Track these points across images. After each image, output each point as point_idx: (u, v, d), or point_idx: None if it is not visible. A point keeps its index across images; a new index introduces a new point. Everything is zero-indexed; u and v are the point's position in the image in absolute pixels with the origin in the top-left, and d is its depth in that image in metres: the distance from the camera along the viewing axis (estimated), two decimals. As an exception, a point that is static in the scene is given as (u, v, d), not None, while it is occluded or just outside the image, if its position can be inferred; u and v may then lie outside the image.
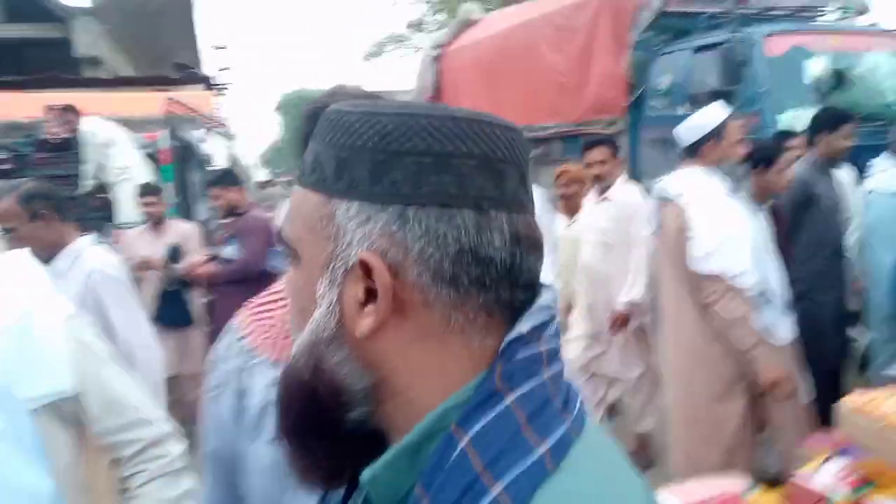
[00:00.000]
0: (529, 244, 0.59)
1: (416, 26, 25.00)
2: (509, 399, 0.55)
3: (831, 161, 3.82)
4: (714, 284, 2.66)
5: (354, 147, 0.56)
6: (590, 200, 4.23)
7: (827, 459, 2.06)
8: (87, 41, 11.51)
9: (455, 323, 0.56)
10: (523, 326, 0.58)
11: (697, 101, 6.34)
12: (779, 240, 3.39)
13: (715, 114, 2.91)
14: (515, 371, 0.56)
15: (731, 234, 2.68)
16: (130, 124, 6.90)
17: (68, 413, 1.40)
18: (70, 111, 6.75)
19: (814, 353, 3.65)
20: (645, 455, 3.90)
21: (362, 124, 0.57)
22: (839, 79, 6.13)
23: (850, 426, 2.00)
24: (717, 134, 2.84)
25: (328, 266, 0.57)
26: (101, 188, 6.38)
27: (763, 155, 3.30)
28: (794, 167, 3.81)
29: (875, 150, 3.93)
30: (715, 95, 6.21)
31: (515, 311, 0.58)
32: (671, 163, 6.40)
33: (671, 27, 7.17)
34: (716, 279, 2.65)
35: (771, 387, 2.68)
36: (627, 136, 7.02)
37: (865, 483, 1.93)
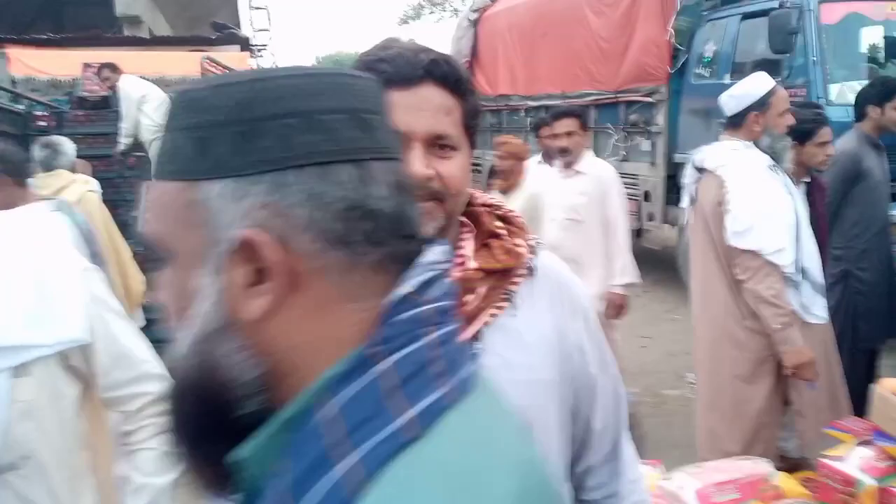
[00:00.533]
0: (410, 191, 0.57)
1: (455, -11, 24.61)
2: (382, 365, 0.52)
3: (881, 134, 3.65)
4: (749, 261, 2.57)
5: (213, 124, 0.52)
6: (554, 175, 4.01)
7: (857, 445, 1.99)
8: (126, 1, 11.58)
9: (351, 286, 0.54)
10: (407, 285, 0.55)
11: (744, 71, 6.13)
12: (815, 217, 3.27)
13: (760, 83, 2.79)
14: (394, 334, 0.54)
15: (769, 211, 2.58)
16: (167, 83, 6.96)
17: (77, 365, 1.41)
18: (109, 68, 6.81)
19: (857, 334, 3.55)
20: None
21: (216, 98, 0.53)
22: (896, 48, 5.85)
23: (884, 411, 1.91)
24: (762, 104, 2.71)
25: (206, 254, 0.53)
26: (138, 146, 6.46)
27: (800, 128, 3.16)
28: (839, 141, 3.66)
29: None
30: (763, 65, 6.00)
31: (405, 266, 0.56)
32: (713, 134, 6.25)
33: (719, -9, 6.91)
34: (752, 255, 2.56)
35: (795, 370, 2.60)
36: (668, 105, 6.82)
37: (895, 471, 1.86)
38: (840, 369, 2.84)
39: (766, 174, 2.64)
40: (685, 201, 2.99)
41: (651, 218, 7.16)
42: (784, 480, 1.88)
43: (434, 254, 0.58)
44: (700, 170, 2.77)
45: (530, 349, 0.99)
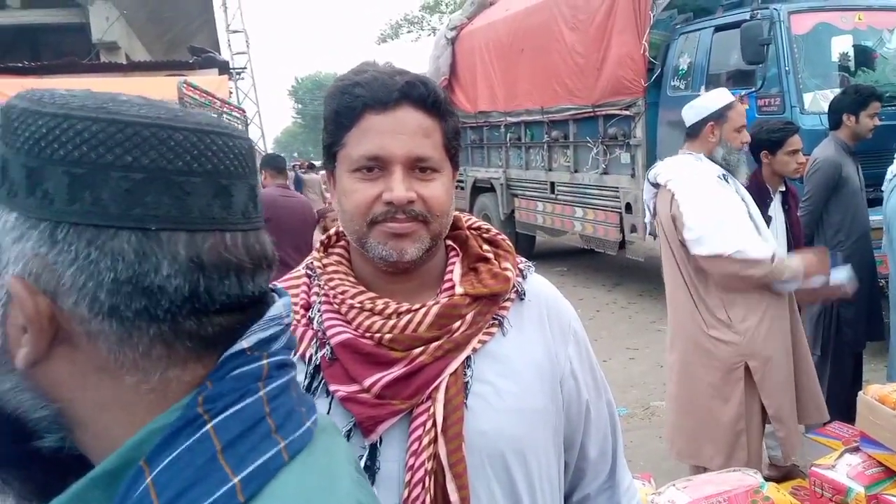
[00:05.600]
0: (226, 266, 0.52)
1: (431, 8, 24.81)
2: (210, 424, 0.50)
3: (856, 142, 3.71)
4: (718, 263, 2.60)
5: (13, 147, 0.49)
6: None
7: (845, 452, 1.99)
8: (103, 26, 11.53)
9: (124, 358, 0.50)
10: (244, 341, 0.53)
11: (718, 82, 6.21)
12: (790, 223, 3.30)
13: (720, 97, 2.85)
14: (224, 392, 0.52)
15: (720, 216, 2.61)
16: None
17: None
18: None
19: (842, 339, 3.57)
20: None
21: (29, 119, 0.49)
22: (866, 56, 5.95)
23: (870, 418, 1.92)
24: (719, 116, 2.77)
25: None
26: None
27: (770, 138, 3.21)
28: (816, 150, 3.71)
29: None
30: (736, 76, 6.08)
31: (217, 337, 0.53)
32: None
33: (692, 5, 7.00)
34: (716, 260, 2.58)
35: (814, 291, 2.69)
36: (646, 118, 6.88)
37: (885, 477, 1.86)
38: (806, 345, 2.90)
39: (713, 183, 2.68)
40: (647, 216, 3.08)
41: (634, 229, 7.20)
42: (774, 491, 1.88)
43: (276, 309, 0.57)
44: (655, 185, 2.83)
45: (521, 376, 0.97)
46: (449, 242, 1.03)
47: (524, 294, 1.01)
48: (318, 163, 18.92)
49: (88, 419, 0.52)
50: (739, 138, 2.79)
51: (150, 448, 0.49)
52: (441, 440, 0.89)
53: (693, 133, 2.84)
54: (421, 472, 0.89)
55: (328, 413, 0.92)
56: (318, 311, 0.98)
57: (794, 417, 2.74)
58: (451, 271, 0.99)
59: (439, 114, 0.94)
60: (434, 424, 0.90)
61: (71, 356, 0.50)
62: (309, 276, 1.02)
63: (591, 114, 7.53)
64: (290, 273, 1.07)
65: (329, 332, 0.95)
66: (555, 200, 8.51)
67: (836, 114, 3.76)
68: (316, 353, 0.95)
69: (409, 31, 26.16)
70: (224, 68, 11.56)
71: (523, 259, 1.07)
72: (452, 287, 0.97)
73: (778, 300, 2.70)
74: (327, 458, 0.56)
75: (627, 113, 7.04)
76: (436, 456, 0.89)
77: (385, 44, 26.90)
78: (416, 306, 0.94)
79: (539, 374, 0.99)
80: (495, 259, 1.01)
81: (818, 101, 5.41)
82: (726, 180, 2.73)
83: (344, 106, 0.93)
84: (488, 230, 1.07)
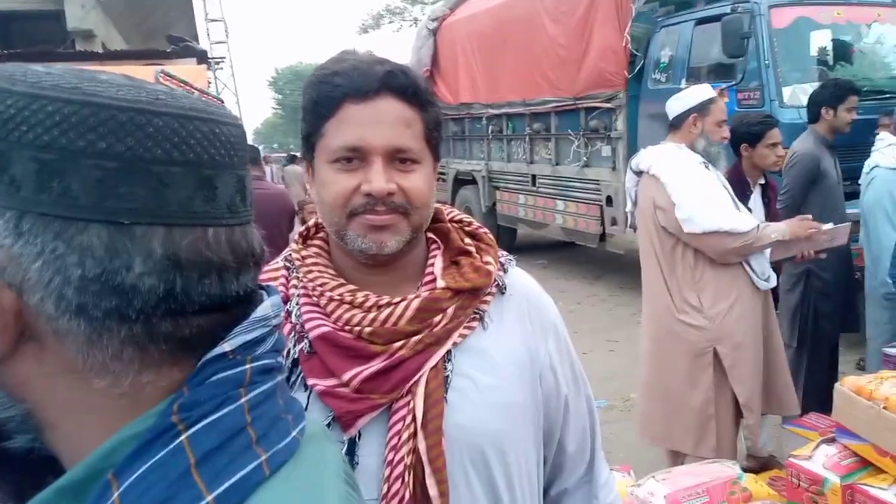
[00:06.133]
0: (206, 265, 0.48)
1: (414, -2, 24.67)
2: (185, 435, 0.46)
3: (834, 135, 3.74)
4: (711, 240, 2.67)
5: None
6: None
7: (822, 443, 2.01)
8: (79, 14, 11.32)
9: (93, 360, 0.47)
10: (226, 344, 0.50)
11: (699, 75, 6.24)
12: (769, 216, 3.33)
13: (704, 91, 2.95)
14: (202, 399, 0.48)
15: (709, 193, 2.71)
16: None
17: None
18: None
19: (819, 332, 3.61)
20: None
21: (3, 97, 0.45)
22: (844, 51, 6.01)
23: (846, 409, 1.94)
24: (701, 109, 2.86)
25: None
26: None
27: (750, 131, 3.24)
28: (795, 143, 3.74)
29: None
30: (717, 69, 6.11)
31: (196, 340, 0.49)
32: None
33: (673, -2, 7.03)
34: (711, 235, 2.66)
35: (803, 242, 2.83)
36: (627, 111, 6.90)
37: (860, 467, 1.88)
38: (779, 338, 2.98)
39: (697, 167, 2.77)
40: (629, 205, 3.13)
41: (614, 223, 7.23)
42: (752, 482, 1.89)
43: (264, 309, 0.53)
44: (638, 173, 2.90)
45: (501, 370, 0.96)
46: (430, 235, 1.02)
47: (505, 288, 1.01)
48: (299, 154, 18.76)
49: (57, 421, 0.49)
50: (720, 132, 2.87)
51: (121, 458, 0.46)
52: (420, 435, 0.88)
53: (676, 124, 2.91)
54: (400, 467, 0.88)
55: (306, 407, 0.90)
56: (297, 304, 0.96)
57: (759, 407, 2.81)
58: (433, 264, 0.98)
59: (420, 104, 0.92)
60: (414, 419, 0.89)
61: (38, 355, 0.47)
62: (287, 269, 1.00)
63: (573, 106, 7.53)
64: (268, 265, 1.05)
65: (308, 326, 0.93)
66: (536, 193, 8.52)
67: (814, 107, 3.79)
68: (294, 346, 0.93)
69: (390, 22, 26.03)
70: (203, 58, 11.40)
71: (504, 252, 1.06)
72: (433, 280, 0.96)
73: (751, 289, 2.76)
74: (314, 472, 0.53)
75: (609, 106, 7.05)
76: (415, 450, 0.88)
77: (366, 34, 26.78)
78: (397, 299, 0.93)
79: (519, 369, 0.98)
80: (477, 252, 1.00)
81: (797, 94, 5.46)
82: (707, 168, 2.82)
83: (323, 95, 0.91)
84: (470, 223, 1.06)
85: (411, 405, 0.90)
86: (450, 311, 0.93)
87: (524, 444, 0.99)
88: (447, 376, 0.93)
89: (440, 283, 0.95)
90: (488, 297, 0.98)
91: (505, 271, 1.02)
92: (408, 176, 0.91)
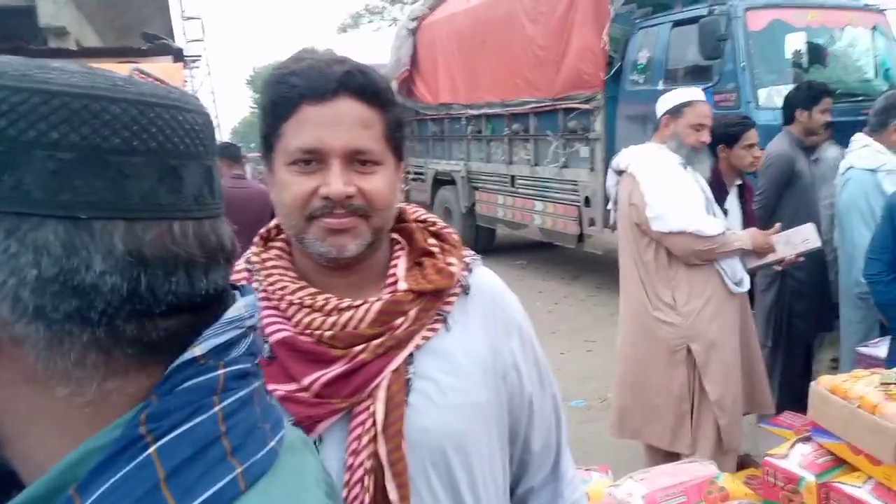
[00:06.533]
0: (173, 261, 0.45)
1: (394, -2, 24.63)
2: (153, 447, 0.43)
3: (808, 137, 3.78)
4: (677, 240, 2.72)
5: None
6: None
7: (797, 442, 2.02)
8: (51, 10, 11.13)
9: (54, 367, 0.43)
10: (196, 348, 0.47)
11: (676, 77, 6.29)
12: (745, 217, 3.36)
13: (684, 94, 3.01)
14: (171, 408, 0.45)
15: (681, 194, 2.76)
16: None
17: None
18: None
19: (794, 332, 3.65)
20: None
21: None
22: (818, 54, 6.09)
23: (821, 408, 1.95)
24: (675, 111, 2.91)
25: None
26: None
27: (727, 132, 3.26)
28: (770, 144, 3.77)
29: (853, 127, 3.88)
30: (694, 71, 6.16)
31: (164, 343, 0.46)
32: (649, 139, 6.37)
33: (651, 0, 7.06)
34: (677, 235, 2.72)
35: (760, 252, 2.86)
36: (605, 112, 6.93)
37: (835, 466, 1.89)
38: (755, 338, 3.04)
39: (674, 167, 2.82)
40: (610, 204, 3.16)
41: (592, 223, 7.26)
42: (729, 481, 1.90)
43: (236, 309, 0.50)
44: (619, 172, 2.95)
45: (464, 371, 0.96)
46: (394, 236, 1.00)
47: (469, 288, 0.99)
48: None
49: (18, 433, 0.46)
50: (695, 136, 2.88)
51: (84, 472, 0.43)
52: (381, 439, 0.87)
53: (656, 126, 3.02)
54: (360, 472, 0.87)
55: None
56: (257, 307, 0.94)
57: (739, 408, 2.82)
58: (396, 266, 0.97)
59: (380, 104, 0.91)
60: (374, 423, 0.88)
61: None
62: (249, 271, 0.98)
63: (552, 107, 7.55)
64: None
65: (267, 330, 0.91)
66: (515, 194, 8.53)
67: (789, 109, 3.83)
68: None
69: (370, 21, 25.93)
70: (179, 56, 11.28)
71: (470, 252, 1.05)
72: (396, 282, 0.95)
73: (725, 289, 2.80)
74: (293, 485, 0.50)
75: (587, 107, 7.08)
76: (375, 454, 0.87)
77: (345, 33, 26.65)
78: (358, 303, 0.91)
79: (482, 369, 0.97)
80: (441, 253, 0.99)
81: (772, 96, 5.52)
82: (685, 168, 2.85)
83: (280, 96, 0.89)
84: (434, 223, 1.05)
85: (371, 409, 0.89)
86: (412, 313, 0.93)
87: (488, 444, 0.98)
88: (409, 379, 0.92)
89: (402, 286, 0.94)
90: (452, 298, 0.97)
91: (470, 271, 1.01)
92: (368, 178, 0.90)
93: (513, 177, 8.54)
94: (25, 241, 0.41)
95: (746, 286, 2.89)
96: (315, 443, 0.88)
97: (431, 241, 1.01)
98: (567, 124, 7.41)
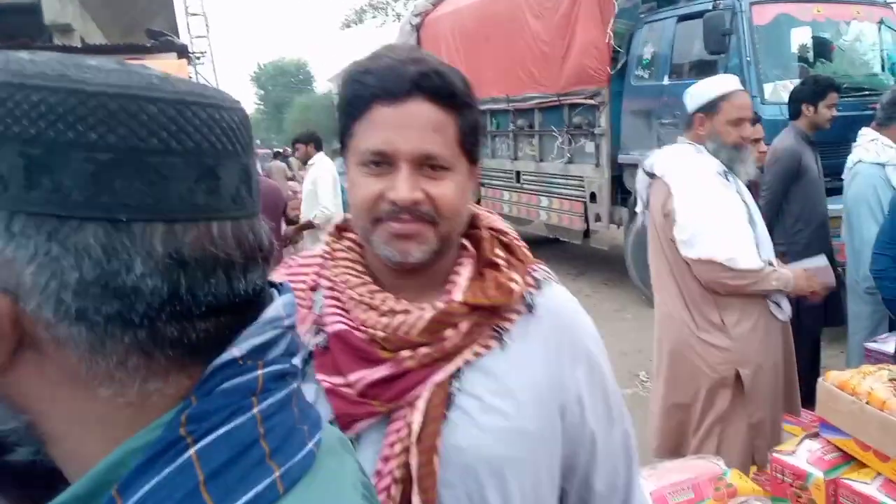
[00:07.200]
0: (212, 262, 0.45)
1: (397, -7, 24.60)
2: (193, 449, 0.43)
3: (815, 131, 3.77)
4: (706, 268, 2.44)
5: None
6: None
7: (805, 438, 2.02)
8: (56, 8, 11.14)
9: (96, 368, 0.44)
10: (235, 349, 0.46)
11: (682, 71, 6.27)
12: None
13: (717, 85, 2.63)
14: (211, 409, 0.45)
15: (716, 218, 2.45)
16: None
17: None
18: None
19: (800, 326, 3.64)
20: None
21: None
22: (824, 48, 6.06)
23: (829, 404, 1.95)
24: (710, 107, 2.56)
25: None
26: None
27: None
28: (776, 139, 3.76)
29: (860, 121, 3.87)
30: (699, 65, 6.14)
31: (204, 344, 0.46)
32: (655, 134, 6.35)
33: (656, -6, 7.05)
34: (707, 263, 2.43)
35: (811, 294, 2.62)
36: (610, 107, 6.92)
37: (842, 462, 1.89)
38: (795, 368, 2.75)
39: (712, 180, 2.50)
40: (639, 206, 2.90)
41: (598, 219, 7.25)
42: (736, 478, 1.90)
43: (275, 309, 0.50)
44: (651, 174, 2.65)
45: (514, 395, 0.90)
46: (463, 241, 0.96)
47: (534, 308, 0.94)
48: (282, 150, 18.66)
49: (61, 433, 0.46)
50: (735, 133, 2.54)
51: (126, 473, 0.43)
52: (414, 450, 0.85)
53: (687, 122, 2.66)
54: (388, 479, 0.86)
55: (314, 402, 0.89)
56: (322, 295, 0.94)
57: (777, 432, 2.61)
58: (458, 273, 0.93)
59: (455, 106, 0.88)
60: (409, 433, 0.86)
61: (38, 364, 0.44)
62: (323, 258, 0.98)
63: (556, 102, 7.54)
64: (308, 251, 1.04)
65: (327, 320, 0.91)
66: (520, 189, 8.53)
67: (795, 104, 3.81)
68: (312, 337, 0.91)
69: (373, 17, 25.89)
70: (183, 52, 11.29)
71: (543, 268, 1.00)
72: (451, 292, 0.92)
73: (770, 311, 2.56)
74: (331, 488, 0.50)
75: (592, 102, 7.07)
76: (406, 465, 0.85)
77: (349, 29, 26.61)
78: (412, 308, 0.89)
79: (536, 396, 0.91)
80: (506, 267, 0.94)
81: (778, 91, 5.50)
82: (727, 178, 2.53)
83: (353, 95, 0.88)
84: (507, 233, 1.00)
85: (409, 418, 0.87)
86: (463, 326, 0.89)
87: (533, 474, 0.92)
88: (452, 394, 0.88)
89: (457, 297, 0.90)
90: (512, 316, 0.93)
91: (538, 289, 0.96)
92: (437, 183, 0.87)
93: (518, 172, 8.53)
94: (66, 244, 0.41)
95: (788, 312, 2.61)
96: (352, 441, 0.87)
97: (499, 252, 0.96)
98: (572, 120, 7.40)
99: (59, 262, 0.42)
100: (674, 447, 2.71)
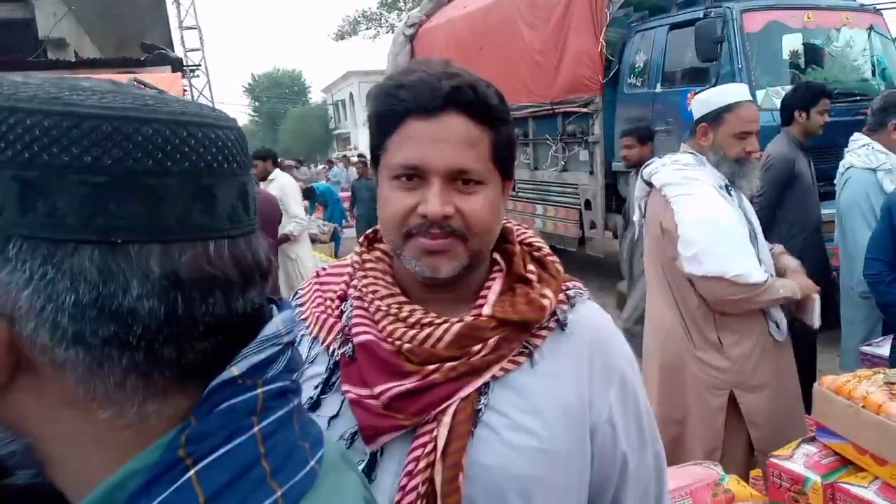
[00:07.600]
0: (209, 282, 0.45)
1: (390, 5, 24.72)
2: (193, 471, 0.43)
3: (807, 137, 3.79)
4: (713, 286, 2.35)
5: None
6: None
7: (802, 443, 2.02)
8: (50, 22, 11.16)
9: (94, 391, 0.44)
10: (234, 368, 0.46)
11: (674, 79, 6.31)
12: None
13: (723, 94, 2.52)
14: (210, 430, 0.45)
15: (722, 233, 2.36)
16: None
17: None
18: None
19: (794, 332, 3.64)
20: None
21: None
22: (815, 54, 6.11)
23: (825, 408, 1.96)
24: (714, 118, 2.45)
25: None
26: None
27: None
28: (769, 146, 3.78)
29: (851, 127, 3.90)
30: (692, 73, 6.18)
31: (202, 364, 0.46)
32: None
33: (647, 3, 7.09)
34: (714, 280, 2.34)
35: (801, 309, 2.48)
36: (604, 115, 6.95)
37: (840, 466, 1.89)
38: (798, 387, 2.65)
39: (713, 193, 2.39)
40: (636, 215, 2.83)
41: (593, 226, 7.27)
42: (734, 483, 1.90)
43: (274, 326, 0.50)
44: (649, 184, 2.57)
45: (542, 414, 0.88)
46: (495, 255, 0.95)
47: (566, 325, 0.93)
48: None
49: (60, 456, 0.46)
50: (739, 147, 2.42)
51: (126, 495, 0.43)
52: (439, 466, 0.84)
53: (692, 131, 2.56)
54: (412, 496, 0.84)
55: (338, 413, 0.88)
56: (351, 305, 0.94)
57: (776, 436, 2.46)
58: (489, 288, 0.92)
59: (489, 121, 0.87)
60: (434, 448, 0.84)
61: (36, 388, 0.44)
62: (354, 268, 0.98)
63: (550, 111, 7.58)
64: (340, 260, 1.03)
65: (354, 330, 0.90)
66: (515, 198, 8.55)
67: (787, 110, 3.84)
68: (339, 347, 0.91)
69: (367, 28, 26.03)
70: (177, 65, 11.32)
71: (577, 285, 0.99)
72: (480, 306, 0.91)
73: (770, 331, 2.49)
74: (336, 496, 0.50)
75: (585, 110, 7.11)
76: (431, 481, 0.84)
77: (343, 40, 26.75)
78: (440, 321, 0.88)
79: (565, 415, 0.89)
80: (538, 282, 0.93)
81: (770, 97, 5.53)
82: (728, 192, 2.43)
83: (386, 109, 0.87)
84: (540, 248, 0.99)
85: (434, 433, 0.85)
86: (491, 341, 0.87)
87: (561, 495, 0.90)
88: (479, 410, 0.87)
89: (486, 311, 0.89)
90: (543, 332, 0.91)
91: (571, 306, 0.95)
92: (469, 198, 0.86)
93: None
94: (62, 268, 0.41)
95: (786, 332, 2.53)
96: (376, 455, 0.87)
97: (531, 267, 0.95)
98: (566, 128, 7.43)
99: (55, 285, 0.41)
100: (668, 457, 2.65)
